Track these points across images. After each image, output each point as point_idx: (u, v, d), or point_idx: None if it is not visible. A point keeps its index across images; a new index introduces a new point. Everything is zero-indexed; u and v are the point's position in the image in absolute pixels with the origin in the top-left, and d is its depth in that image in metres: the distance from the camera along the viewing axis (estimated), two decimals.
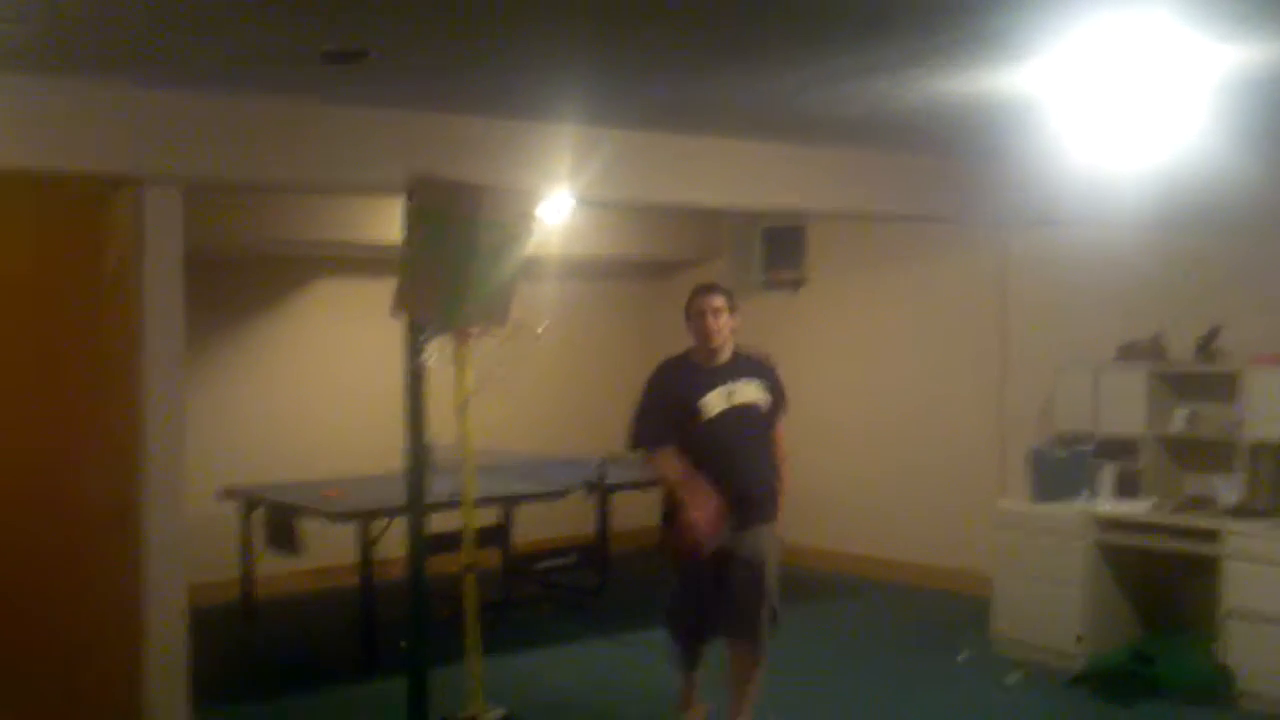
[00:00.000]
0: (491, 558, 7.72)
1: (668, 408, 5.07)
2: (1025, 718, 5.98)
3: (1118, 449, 6.86)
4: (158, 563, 5.04)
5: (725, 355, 5.17)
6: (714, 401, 5.07)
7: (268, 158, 5.07)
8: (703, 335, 5.14)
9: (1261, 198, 6.34)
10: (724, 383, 5.11)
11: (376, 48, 4.20)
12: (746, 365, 5.23)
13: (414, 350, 4.85)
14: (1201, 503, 6.49)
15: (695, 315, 5.14)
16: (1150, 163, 5.40)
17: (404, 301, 4.74)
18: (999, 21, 3.87)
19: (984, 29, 3.97)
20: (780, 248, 9.65)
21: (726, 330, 5.14)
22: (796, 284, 9.52)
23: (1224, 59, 4.43)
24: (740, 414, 5.11)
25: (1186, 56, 4.38)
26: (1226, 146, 6.06)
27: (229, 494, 7.62)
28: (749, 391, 5.15)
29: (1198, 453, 6.73)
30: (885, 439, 8.78)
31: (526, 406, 9.18)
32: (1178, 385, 6.77)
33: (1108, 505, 6.65)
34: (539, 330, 5.44)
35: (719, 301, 5.13)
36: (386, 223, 6.69)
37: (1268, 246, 6.52)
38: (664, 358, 5.30)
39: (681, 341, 5.27)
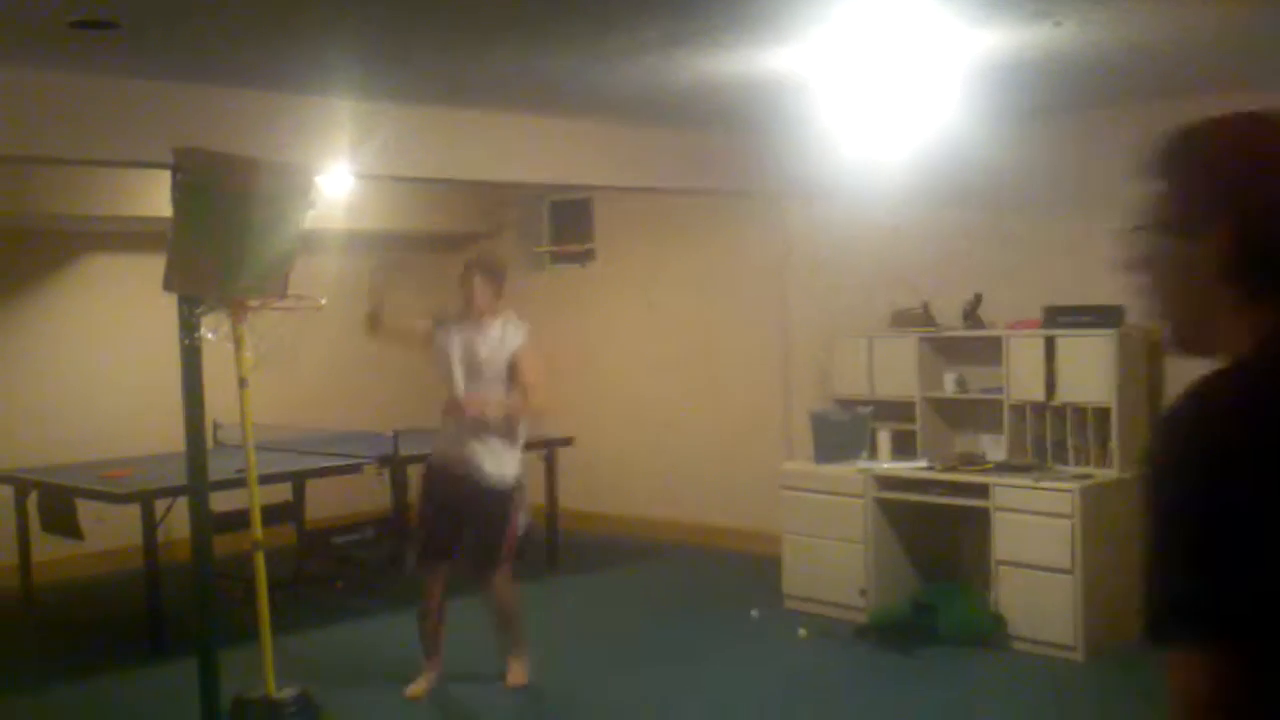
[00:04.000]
0: (285, 535, 7.62)
1: None
2: (814, 670, 6.21)
3: (893, 411, 7.18)
4: None
5: None
6: None
7: (18, 130, 4.85)
8: None
9: (1012, 174, 6.74)
10: None
11: (129, 17, 4.08)
12: None
13: (188, 326, 4.77)
14: (971, 460, 6.83)
15: None
16: (911, 141, 5.64)
17: (176, 276, 4.65)
18: (762, 3, 4.01)
19: (748, 11, 4.10)
20: (567, 221, 9.69)
21: None
22: (585, 257, 9.59)
23: (976, 43, 4.68)
24: None
25: (942, 40, 4.61)
26: (980, 127, 6.40)
27: (0, 478, 7.33)
28: None
29: (966, 413, 7.09)
30: (676, 407, 8.96)
31: (318, 382, 9.06)
32: (946, 351, 7.11)
33: (886, 465, 6.95)
34: (320, 303, 5.40)
35: None
36: (158, 196, 6.49)
37: (1019, 219, 6.91)
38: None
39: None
